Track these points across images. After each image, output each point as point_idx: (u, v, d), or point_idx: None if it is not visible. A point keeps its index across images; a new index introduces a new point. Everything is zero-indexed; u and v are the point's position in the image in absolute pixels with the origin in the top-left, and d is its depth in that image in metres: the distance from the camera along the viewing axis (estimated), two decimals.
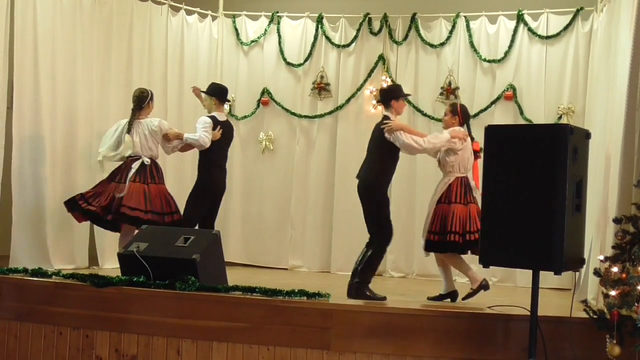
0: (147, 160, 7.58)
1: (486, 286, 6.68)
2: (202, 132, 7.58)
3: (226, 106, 9.91)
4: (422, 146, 6.70)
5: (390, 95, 6.95)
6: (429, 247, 6.83)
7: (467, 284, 6.93)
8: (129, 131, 7.58)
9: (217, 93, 7.88)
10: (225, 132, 7.80)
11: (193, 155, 8.24)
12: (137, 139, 7.58)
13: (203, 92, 7.97)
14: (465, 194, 6.76)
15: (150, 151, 7.65)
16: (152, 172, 7.61)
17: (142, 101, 7.71)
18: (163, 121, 7.81)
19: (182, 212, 7.70)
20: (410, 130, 6.81)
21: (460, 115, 6.95)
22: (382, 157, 6.81)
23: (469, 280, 6.82)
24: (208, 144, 7.59)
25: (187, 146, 7.78)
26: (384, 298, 6.49)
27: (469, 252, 6.69)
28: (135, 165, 7.52)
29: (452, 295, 6.82)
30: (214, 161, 7.75)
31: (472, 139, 6.92)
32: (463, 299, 6.71)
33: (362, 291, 6.55)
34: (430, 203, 6.97)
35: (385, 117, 6.84)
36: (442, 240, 6.69)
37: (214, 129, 7.67)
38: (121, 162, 7.63)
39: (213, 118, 7.74)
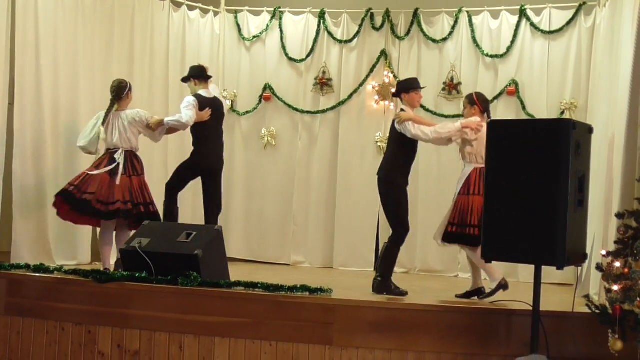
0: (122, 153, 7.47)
1: (505, 285, 6.44)
2: (184, 110, 7.58)
3: (228, 102, 9.94)
4: (429, 136, 6.69)
5: (400, 88, 7.03)
6: (446, 238, 6.70)
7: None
8: (103, 123, 7.48)
9: (193, 74, 7.91)
10: (213, 109, 7.81)
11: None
12: (115, 131, 7.48)
13: (182, 80, 8.09)
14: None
15: (130, 143, 7.52)
16: (133, 164, 7.50)
17: (121, 92, 7.56)
18: (141, 111, 7.66)
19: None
20: (419, 121, 6.79)
21: (479, 104, 6.81)
22: (396, 149, 6.84)
23: (488, 277, 6.62)
24: (190, 123, 7.58)
25: (171, 129, 7.76)
26: (403, 294, 6.53)
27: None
28: (121, 159, 7.42)
29: (479, 292, 6.62)
30: (204, 138, 7.81)
31: None
32: (480, 298, 6.53)
33: (383, 286, 6.62)
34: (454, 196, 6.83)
35: (401, 110, 6.88)
36: (460, 232, 6.55)
37: (201, 107, 7.66)
38: (97, 154, 7.61)
39: (198, 96, 7.73)
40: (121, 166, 7.39)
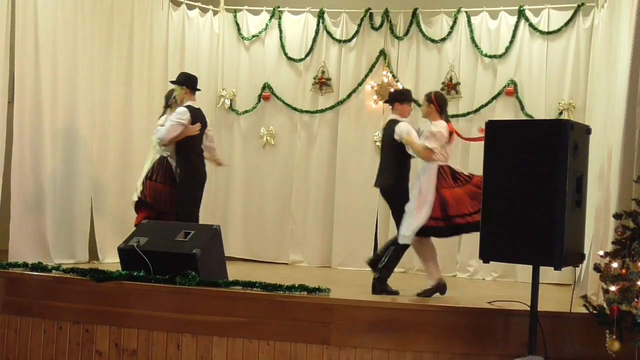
0: (166, 157, 7.56)
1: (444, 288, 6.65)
2: (172, 124, 7.37)
3: (227, 101, 9.96)
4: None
5: (394, 98, 7.09)
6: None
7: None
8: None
9: (187, 82, 7.66)
10: (202, 122, 7.63)
11: None
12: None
13: (171, 81, 7.87)
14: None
15: (167, 149, 7.55)
16: (164, 172, 7.51)
17: (167, 100, 7.76)
18: (170, 117, 7.53)
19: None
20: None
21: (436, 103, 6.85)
22: (398, 159, 6.85)
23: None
24: (165, 142, 7.38)
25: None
26: (396, 293, 6.59)
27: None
28: (156, 164, 7.55)
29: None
30: (195, 151, 7.59)
31: None
32: (418, 294, 6.60)
33: (380, 286, 6.62)
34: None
35: (392, 121, 6.90)
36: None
37: (193, 121, 7.46)
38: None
39: (189, 107, 7.52)
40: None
